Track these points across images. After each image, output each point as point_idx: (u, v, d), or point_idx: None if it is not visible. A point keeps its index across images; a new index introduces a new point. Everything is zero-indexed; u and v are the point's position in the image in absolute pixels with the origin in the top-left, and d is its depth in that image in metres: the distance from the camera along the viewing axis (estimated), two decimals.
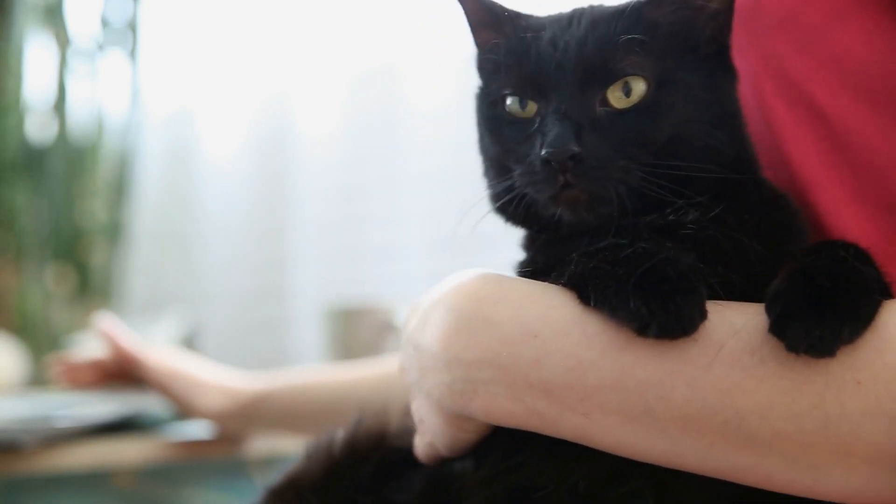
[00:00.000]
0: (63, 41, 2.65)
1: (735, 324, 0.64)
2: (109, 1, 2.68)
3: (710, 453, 0.64)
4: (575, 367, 0.66)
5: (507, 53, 0.76)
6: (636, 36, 0.72)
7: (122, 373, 1.50)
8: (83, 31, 2.67)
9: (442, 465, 0.77)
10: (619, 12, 0.74)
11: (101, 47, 2.67)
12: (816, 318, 0.61)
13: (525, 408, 0.68)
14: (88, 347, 1.85)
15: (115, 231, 2.61)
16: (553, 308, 0.68)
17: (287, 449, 1.46)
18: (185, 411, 1.45)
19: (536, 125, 0.73)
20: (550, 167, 0.70)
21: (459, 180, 2.03)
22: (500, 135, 0.77)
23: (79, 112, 2.63)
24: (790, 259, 0.66)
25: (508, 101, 0.76)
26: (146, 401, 1.55)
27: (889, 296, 0.64)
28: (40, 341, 2.42)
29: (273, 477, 0.87)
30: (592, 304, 0.66)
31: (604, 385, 0.65)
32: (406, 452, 0.82)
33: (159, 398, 1.48)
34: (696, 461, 0.65)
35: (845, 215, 0.78)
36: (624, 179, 0.70)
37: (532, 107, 0.75)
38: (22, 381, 2.07)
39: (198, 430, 1.51)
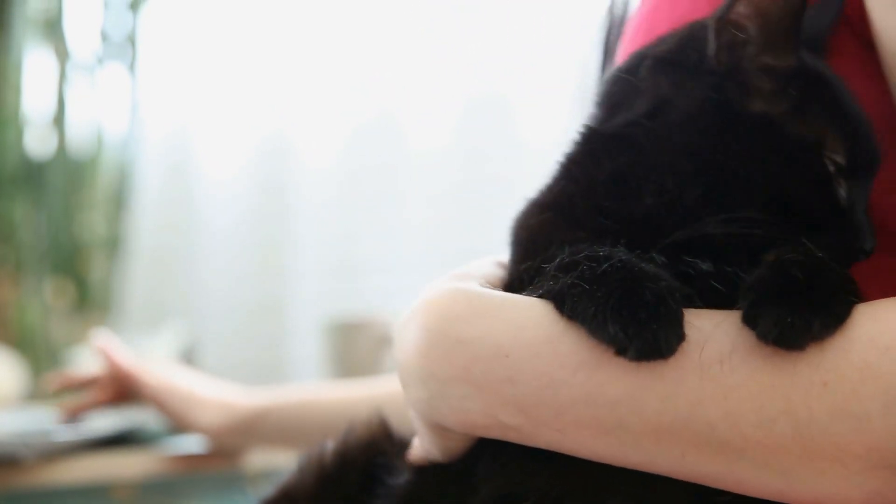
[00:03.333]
0: (62, 55, 2.65)
1: (704, 333, 0.65)
2: (109, 14, 2.68)
3: (683, 462, 0.65)
4: (547, 385, 0.66)
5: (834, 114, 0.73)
6: None
7: (118, 388, 1.50)
8: (83, 45, 2.67)
9: (422, 474, 0.79)
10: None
11: (100, 61, 2.67)
12: (789, 307, 0.61)
13: (500, 423, 0.69)
14: (87, 361, 1.85)
15: (114, 245, 2.61)
16: (523, 328, 0.68)
17: (284, 463, 1.46)
18: (181, 427, 1.45)
19: (845, 203, 0.71)
20: (861, 254, 0.71)
21: (458, 193, 2.04)
22: (808, 185, 0.71)
23: (78, 126, 2.64)
24: (769, 255, 0.67)
25: None
26: (144, 415, 1.55)
27: (859, 299, 0.65)
28: (39, 355, 2.42)
29: (267, 490, 0.89)
30: (570, 319, 0.66)
31: (576, 401, 0.66)
32: (391, 460, 0.84)
33: (155, 413, 1.48)
34: (669, 469, 0.66)
35: None
36: None
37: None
38: (21, 395, 2.07)
39: (196, 443, 1.51)
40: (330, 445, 0.88)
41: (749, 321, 0.63)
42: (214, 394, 1.43)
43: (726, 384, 0.63)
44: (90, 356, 1.84)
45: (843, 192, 0.71)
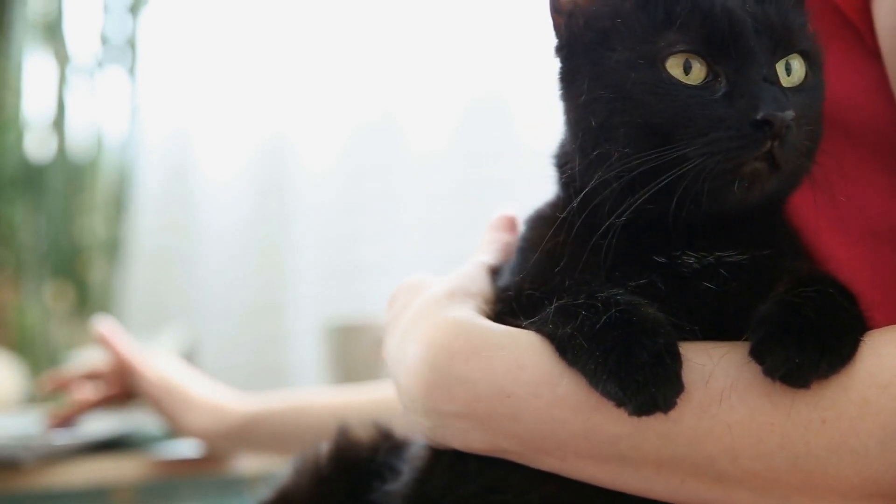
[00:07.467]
0: (62, 58, 2.65)
1: (704, 372, 0.65)
2: (109, 18, 2.68)
3: (682, 489, 0.66)
4: (548, 422, 0.68)
5: (674, 6, 0.68)
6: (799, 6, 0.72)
7: (121, 381, 1.48)
8: (82, 48, 2.67)
9: (413, 483, 0.79)
10: None
11: (100, 64, 2.67)
12: (797, 346, 0.61)
13: (503, 450, 0.71)
14: (87, 363, 1.85)
15: (113, 247, 2.61)
16: (523, 368, 0.69)
17: (281, 466, 1.45)
18: (174, 428, 1.43)
19: (724, 90, 0.66)
20: (763, 132, 0.64)
21: (457, 195, 2.04)
22: (667, 100, 0.67)
23: (78, 129, 2.64)
24: (780, 285, 0.67)
25: (670, 61, 0.67)
26: (142, 418, 1.55)
27: (866, 332, 0.65)
28: (39, 358, 2.42)
29: (264, 493, 0.89)
30: (570, 365, 0.67)
31: (577, 437, 0.67)
32: (386, 460, 0.84)
33: (152, 415, 1.47)
34: (668, 495, 0.67)
35: (831, 244, 0.78)
36: (802, 160, 0.69)
37: (700, 72, 0.67)
38: (20, 398, 2.07)
39: (194, 447, 1.51)
40: (325, 447, 0.89)
41: (757, 356, 0.63)
42: (209, 397, 1.41)
43: (725, 421, 0.64)
44: (91, 357, 1.84)
45: (721, 83, 0.67)
